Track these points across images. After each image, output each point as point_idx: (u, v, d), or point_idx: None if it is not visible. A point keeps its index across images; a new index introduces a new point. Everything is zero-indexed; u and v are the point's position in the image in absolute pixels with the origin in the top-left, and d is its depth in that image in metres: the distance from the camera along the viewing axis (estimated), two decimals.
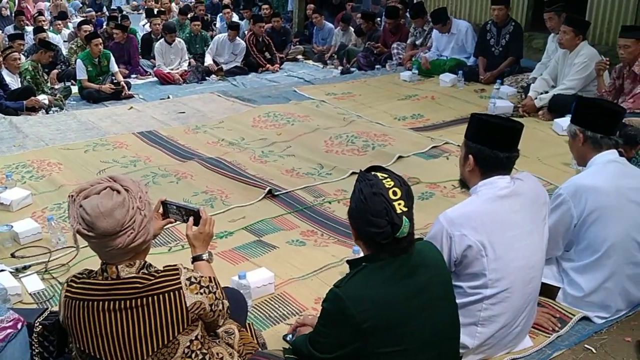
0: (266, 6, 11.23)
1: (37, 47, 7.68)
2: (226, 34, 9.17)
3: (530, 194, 2.19)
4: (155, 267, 1.72)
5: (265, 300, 2.78)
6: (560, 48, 5.43)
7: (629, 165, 2.65)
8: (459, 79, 6.73)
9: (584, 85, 5.24)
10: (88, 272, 1.74)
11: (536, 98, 5.50)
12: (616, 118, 2.56)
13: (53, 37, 9.44)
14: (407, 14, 8.84)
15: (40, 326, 2.00)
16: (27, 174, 4.51)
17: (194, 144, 5.23)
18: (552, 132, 5.07)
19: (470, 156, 2.17)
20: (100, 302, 1.65)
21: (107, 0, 17.56)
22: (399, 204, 1.68)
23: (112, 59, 7.84)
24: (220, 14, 11.80)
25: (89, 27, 8.88)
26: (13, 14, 11.78)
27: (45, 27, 9.88)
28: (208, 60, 8.88)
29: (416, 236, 1.78)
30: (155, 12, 10.94)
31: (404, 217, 1.67)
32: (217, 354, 1.84)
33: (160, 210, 2.05)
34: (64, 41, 10.27)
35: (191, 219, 2.02)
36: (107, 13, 13.96)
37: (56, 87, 7.80)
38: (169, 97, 7.35)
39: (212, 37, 9.72)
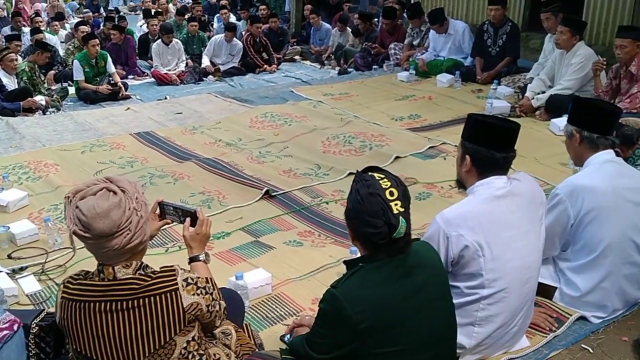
0: (263, 7, 11.24)
1: (34, 48, 7.66)
2: (223, 34, 9.17)
3: (527, 194, 2.19)
4: (152, 268, 1.72)
5: (263, 300, 2.78)
6: (557, 48, 5.44)
7: (625, 165, 2.65)
8: (456, 79, 6.73)
9: (581, 86, 5.25)
10: (85, 273, 1.74)
11: (533, 98, 5.50)
12: (613, 118, 2.56)
13: (50, 38, 9.41)
14: (405, 15, 8.86)
15: (37, 327, 2.00)
16: (24, 175, 4.50)
17: (191, 144, 5.22)
18: (549, 132, 5.08)
19: (467, 156, 2.18)
20: (97, 303, 1.65)
21: (104, 1, 17.51)
22: (396, 205, 1.68)
23: (110, 59, 7.84)
24: (218, 15, 11.79)
25: (86, 28, 8.86)
26: (10, 15, 11.74)
27: (43, 28, 9.83)
28: (205, 61, 8.86)
29: (413, 236, 1.79)
30: (153, 13, 10.91)
31: (400, 217, 1.68)
32: (214, 354, 1.84)
33: (157, 211, 2.04)
34: (61, 42, 10.23)
35: (188, 219, 2.02)
36: (104, 14, 13.91)
37: (53, 88, 7.79)
38: (166, 98, 7.36)
39: (209, 38, 9.71)
